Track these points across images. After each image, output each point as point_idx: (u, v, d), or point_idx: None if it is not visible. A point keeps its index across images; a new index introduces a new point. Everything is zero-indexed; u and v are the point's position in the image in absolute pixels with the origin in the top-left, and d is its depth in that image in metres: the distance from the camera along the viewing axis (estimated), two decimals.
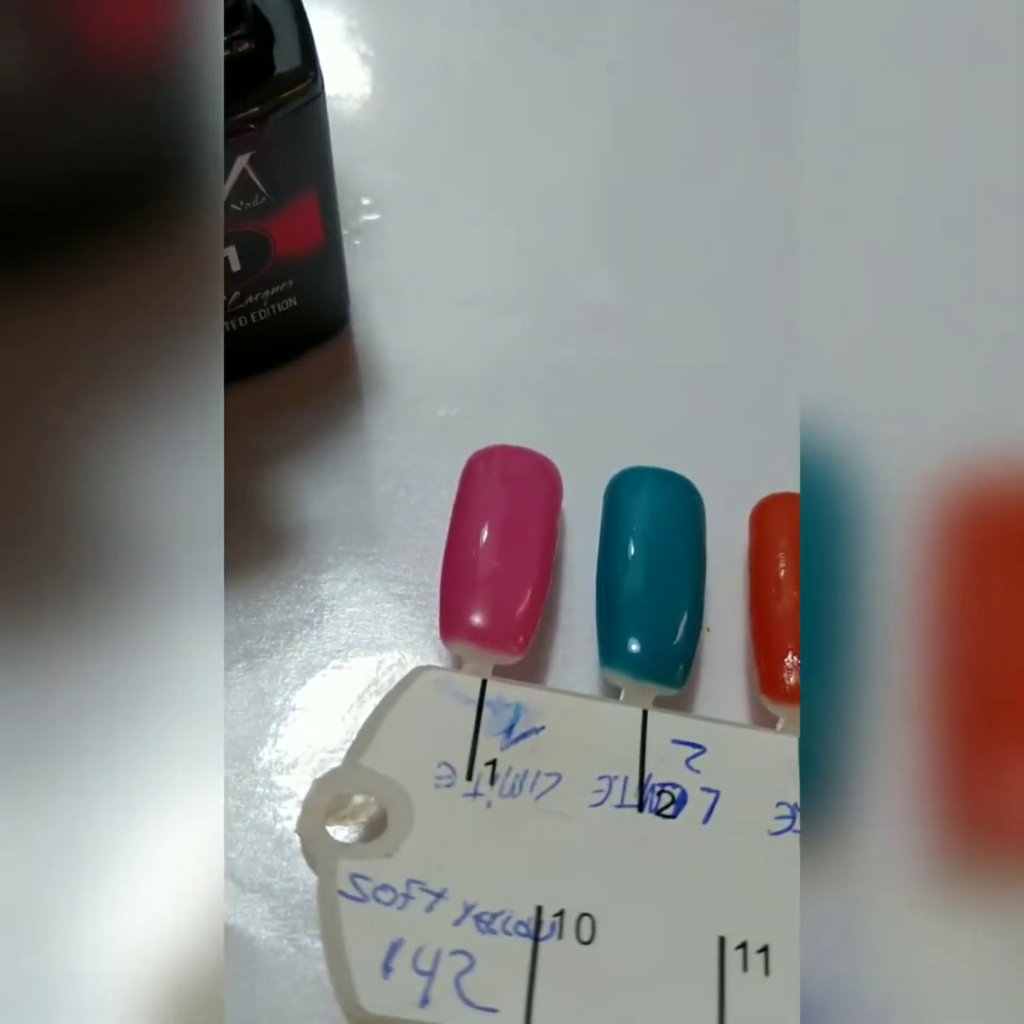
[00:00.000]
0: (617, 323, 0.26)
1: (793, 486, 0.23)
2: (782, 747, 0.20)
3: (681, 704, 0.21)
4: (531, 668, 0.21)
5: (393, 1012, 0.16)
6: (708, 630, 0.22)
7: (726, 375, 0.26)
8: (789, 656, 0.20)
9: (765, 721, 0.21)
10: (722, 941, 0.18)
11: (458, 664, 0.21)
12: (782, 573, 0.21)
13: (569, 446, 0.23)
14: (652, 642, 0.20)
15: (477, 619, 0.20)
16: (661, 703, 0.20)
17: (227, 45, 0.18)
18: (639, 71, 0.30)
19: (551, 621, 0.22)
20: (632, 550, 0.21)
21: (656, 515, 0.22)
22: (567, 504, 0.23)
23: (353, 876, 0.17)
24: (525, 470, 0.22)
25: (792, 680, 0.20)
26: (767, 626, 0.21)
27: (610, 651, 0.20)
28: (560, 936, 0.17)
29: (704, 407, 0.25)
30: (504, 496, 0.21)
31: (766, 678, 0.20)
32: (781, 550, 0.22)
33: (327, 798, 0.18)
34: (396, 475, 0.24)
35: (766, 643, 0.21)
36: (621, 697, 0.20)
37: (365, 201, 0.27)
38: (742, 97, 0.30)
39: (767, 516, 0.22)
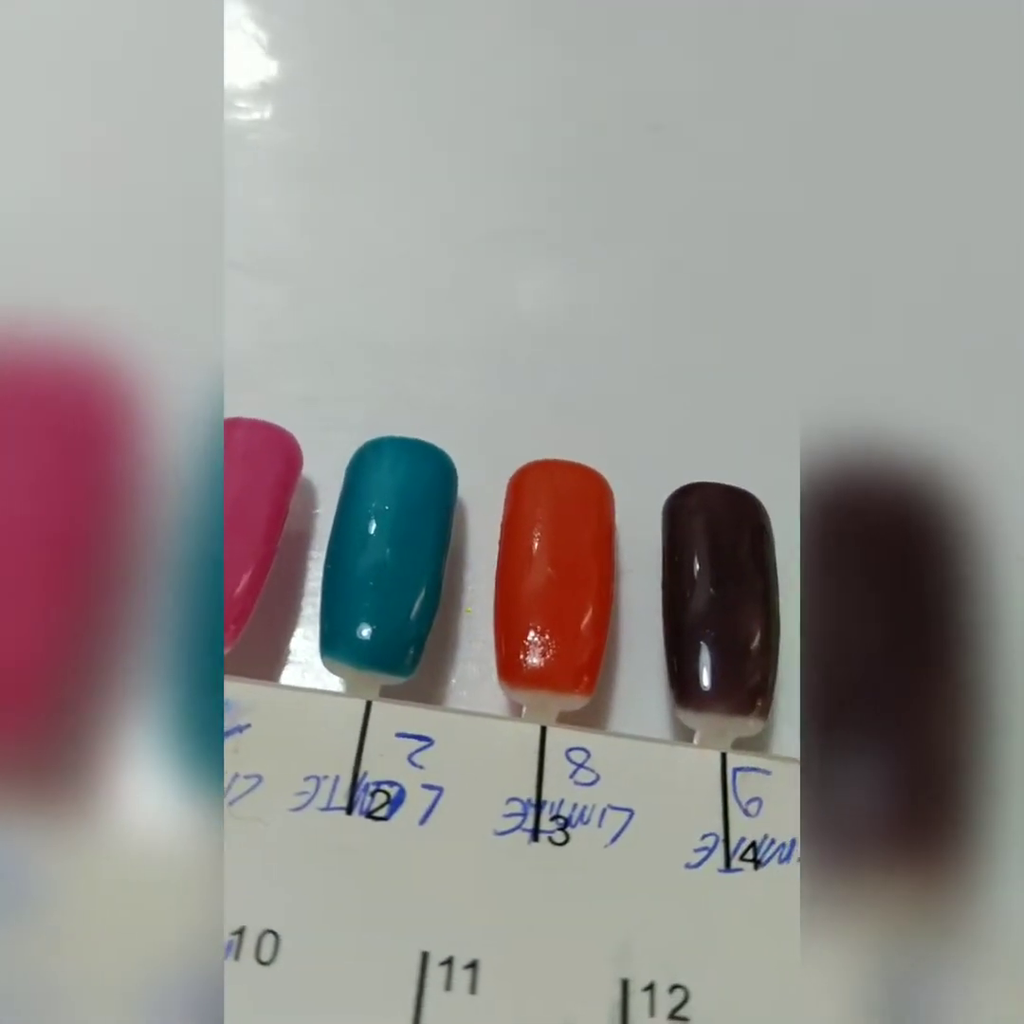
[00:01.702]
0: (380, 290, 0.24)
1: (563, 454, 0.21)
2: (522, 737, 0.18)
3: (425, 693, 0.19)
4: (263, 663, 0.20)
5: None
6: (468, 611, 0.20)
7: (500, 340, 0.24)
8: (530, 634, 0.18)
9: (518, 710, 0.19)
10: (425, 956, 0.16)
11: None
12: (535, 546, 0.19)
13: (325, 421, 0.22)
14: (377, 625, 0.18)
15: None
16: (396, 693, 0.18)
17: None
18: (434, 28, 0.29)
19: (288, 610, 0.20)
20: (363, 525, 0.19)
21: (395, 488, 0.20)
22: (325, 486, 0.21)
23: None
24: (252, 444, 0.20)
25: (532, 661, 0.18)
26: (511, 603, 0.19)
27: (331, 637, 0.18)
28: (237, 957, 0.15)
29: (473, 375, 0.23)
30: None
31: (505, 661, 0.18)
32: (537, 521, 0.20)
33: None
34: None
35: (508, 622, 0.19)
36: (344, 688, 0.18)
37: None
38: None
39: (525, 484, 0.20)
